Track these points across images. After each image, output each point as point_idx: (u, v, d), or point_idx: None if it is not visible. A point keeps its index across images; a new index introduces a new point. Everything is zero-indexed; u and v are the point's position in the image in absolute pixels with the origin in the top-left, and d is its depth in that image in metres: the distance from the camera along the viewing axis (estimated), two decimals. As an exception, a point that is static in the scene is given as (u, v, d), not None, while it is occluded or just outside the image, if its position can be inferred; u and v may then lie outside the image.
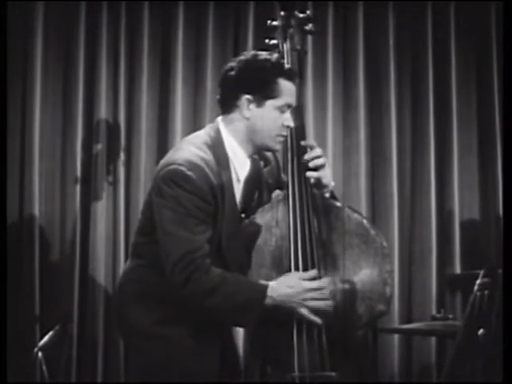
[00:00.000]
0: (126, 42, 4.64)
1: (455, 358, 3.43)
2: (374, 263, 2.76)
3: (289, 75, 2.76)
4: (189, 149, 2.72)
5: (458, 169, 4.92)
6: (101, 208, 4.56)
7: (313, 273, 2.70)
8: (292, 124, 2.78)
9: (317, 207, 2.78)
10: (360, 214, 2.87)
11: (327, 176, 2.85)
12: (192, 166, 2.66)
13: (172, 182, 2.65)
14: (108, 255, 4.56)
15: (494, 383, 3.38)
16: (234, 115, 2.77)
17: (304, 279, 2.69)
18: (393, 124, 4.90)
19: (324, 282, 2.71)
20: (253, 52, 2.83)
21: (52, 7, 4.52)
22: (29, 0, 4.46)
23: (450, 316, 4.39)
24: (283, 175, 3.02)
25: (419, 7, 4.95)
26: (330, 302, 2.70)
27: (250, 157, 2.82)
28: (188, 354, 2.74)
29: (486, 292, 3.44)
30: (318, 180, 2.83)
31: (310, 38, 4.33)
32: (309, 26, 3.00)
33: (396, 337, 4.75)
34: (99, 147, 4.61)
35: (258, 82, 2.73)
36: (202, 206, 2.65)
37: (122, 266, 4.49)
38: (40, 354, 3.88)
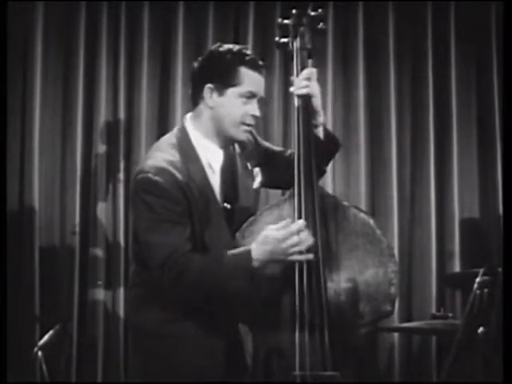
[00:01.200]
0: (126, 43, 4.66)
1: (455, 356, 3.43)
2: (379, 263, 2.74)
3: (252, 64, 2.75)
4: (155, 155, 2.75)
5: (458, 170, 4.92)
6: (101, 208, 4.57)
7: (283, 223, 2.65)
8: (258, 113, 2.77)
9: (322, 206, 2.77)
10: (367, 213, 2.85)
11: (316, 98, 2.80)
12: (157, 170, 2.67)
13: (141, 190, 2.68)
14: (108, 255, 4.57)
15: (494, 383, 3.38)
16: (201, 106, 2.78)
17: (277, 230, 2.63)
18: (392, 125, 4.90)
19: (291, 228, 2.62)
20: (218, 44, 2.84)
21: (52, 7, 4.54)
22: (29, 0, 4.48)
23: (450, 314, 4.39)
24: (264, 144, 3.03)
25: (419, 8, 4.95)
26: (309, 241, 2.64)
27: (222, 148, 2.82)
28: (194, 352, 2.74)
29: (485, 290, 3.44)
30: (307, 97, 2.78)
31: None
32: (320, 25, 2.94)
33: (396, 335, 4.76)
34: (99, 148, 4.62)
35: (218, 71, 2.74)
36: (174, 207, 2.67)
37: (121, 266, 4.52)
38: (40, 353, 3.88)
